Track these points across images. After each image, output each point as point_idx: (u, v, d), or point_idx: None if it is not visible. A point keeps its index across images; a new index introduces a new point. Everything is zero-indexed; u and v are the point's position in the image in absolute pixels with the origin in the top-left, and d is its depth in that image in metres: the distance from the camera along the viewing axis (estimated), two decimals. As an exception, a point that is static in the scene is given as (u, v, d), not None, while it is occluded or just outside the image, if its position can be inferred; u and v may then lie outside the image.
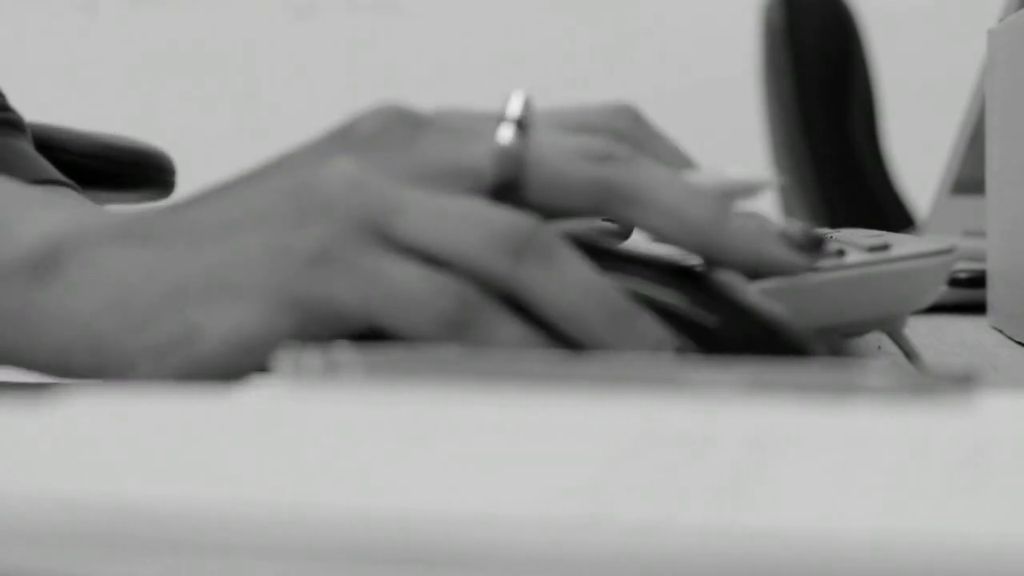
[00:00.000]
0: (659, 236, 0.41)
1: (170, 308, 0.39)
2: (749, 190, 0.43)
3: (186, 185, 0.84)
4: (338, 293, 0.38)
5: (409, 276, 0.38)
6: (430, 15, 2.82)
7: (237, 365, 0.39)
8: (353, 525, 0.21)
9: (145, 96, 2.79)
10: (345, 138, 0.41)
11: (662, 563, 0.20)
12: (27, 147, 0.82)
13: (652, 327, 0.39)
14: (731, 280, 0.42)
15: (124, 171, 1.06)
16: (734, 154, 2.30)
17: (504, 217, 0.39)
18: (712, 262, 0.41)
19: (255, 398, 0.32)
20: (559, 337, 0.39)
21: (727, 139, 2.61)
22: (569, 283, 0.38)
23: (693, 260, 0.43)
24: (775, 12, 2.09)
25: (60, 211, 0.42)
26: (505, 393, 0.31)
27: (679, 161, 0.45)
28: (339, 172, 0.39)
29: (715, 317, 0.40)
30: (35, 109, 0.87)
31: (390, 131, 0.41)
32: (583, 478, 0.24)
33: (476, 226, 0.38)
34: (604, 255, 0.40)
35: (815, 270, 0.42)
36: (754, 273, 0.42)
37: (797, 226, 0.42)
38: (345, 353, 0.34)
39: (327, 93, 2.64)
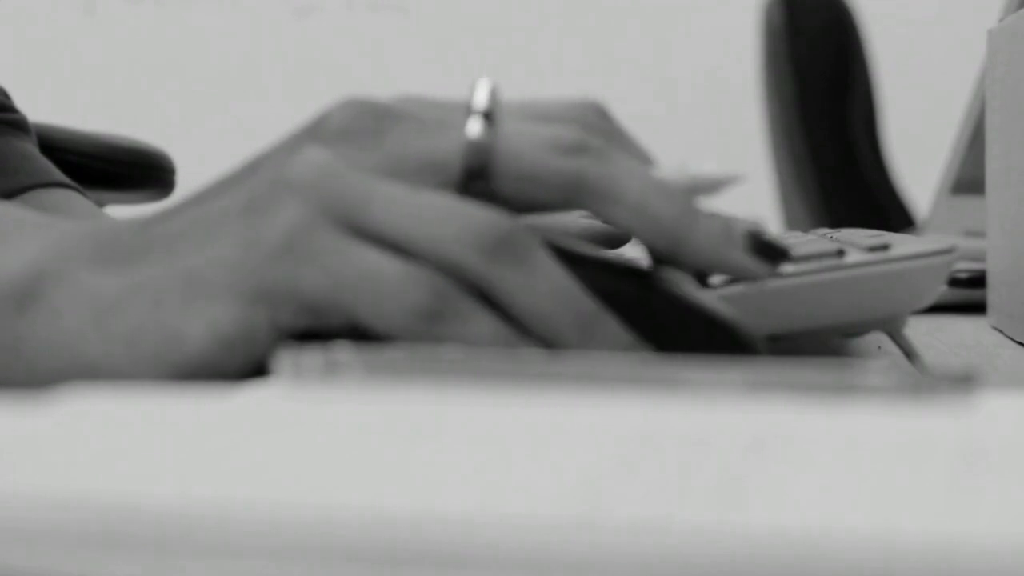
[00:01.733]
0: (625, 231, 0.41)
1: (150, 319, 0.39)
2: (714, 186, 0.43)
3: (186, 185, 0.84)
4: (305, 282, 0.38)
5: (381, 264, 0.38)
6: (430, 14, 2.82)
7: (221, 364, 0.39)
8: (353, 525, 0.21)
9: (145, 96, 2.79)
10: (315, 133, 0.41)
11: (662, 563, 0.20)
12: (31, 148, 0.82)
13: (619, 332, 0.39)
14: (683, 282, 0.42)
15: (124, 171, 1.06)
16: (734, 154, 2.30)
17: (480, 214, 0.38)
18: (673, 261, 0.41)
19: (255, 398, 0.32)
20: (530, 334, 0.39)
21: (727, 139, 2.61)
22: (541, 285, 0.38)
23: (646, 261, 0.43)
24: (775, 12, 2.09)
25: (39, 235, 0.42)
26: (505, 393, 0.31)
27: (640, 158, 0.45)
28: (308, 161, 0.39)
29: (666, 316, 0.40)
30: (35, 109, 0.87)
31: (359, 125, 0.41)
32: (583, 478, 0.24)
33: (451, 221, 0.38)
34: (564, 256, 0.40)
35: (780, 276, 0.42)
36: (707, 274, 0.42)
37: (764, 232, 0.42)
38: (345, 353, 0.34)
39: (327, 92, 2.64)
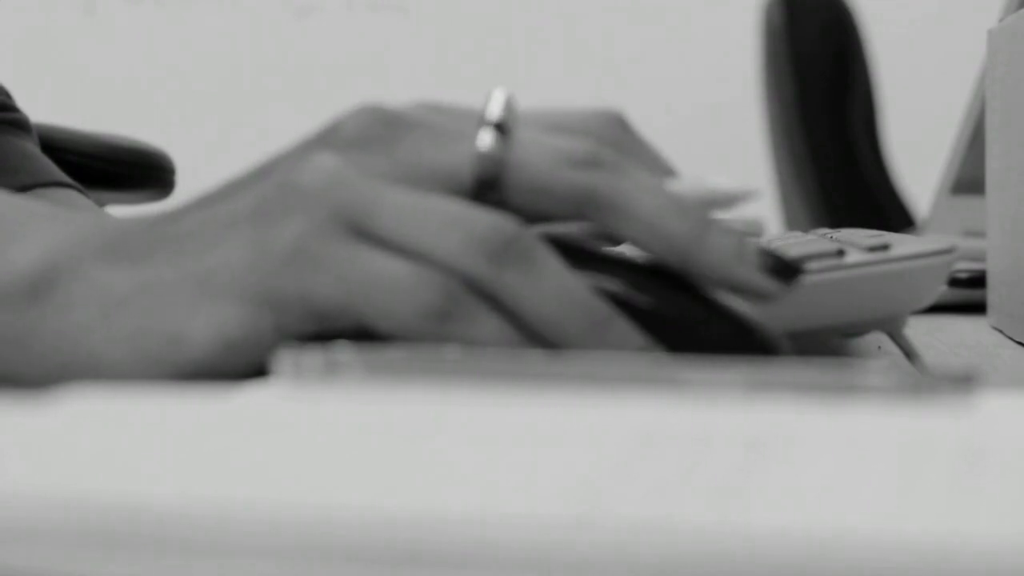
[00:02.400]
0: (637, 246, 0.41)
1: (156, 317, 0.39)
2: (730, 200, 0.43)
3: (186, 185, 0.84)
4: (315, 288, 0.39)
5: (390, 267, 0.38)
6: (430, 14, 2.82)
7: (224, 366, 0.39)
8: (353, 525, 0.21)
9: (145, 96, 2.79)
10: (327, 140, 0.42)
11: (662, 563, 0.20)
12: (32, 148, 0.82)
13: (630, 335, 0.39)
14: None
15: (124, 171, 1.06)
16: (733, 154, 2.30)
17: (486, 219, 0.39)
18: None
19: (255, 398, 0.32)
20: (539, 337, 0.39)
21: (727, 139, 2.61)
22: (548, 290, 0.38)
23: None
24: (775, 12, 2.09)
25: (53, 228, 0.42)
26: (505, 393, 0.31)
27: (661, 170, 0.45)
28: (319, 168, 0.39)
29: (688, 317, 0.40)
30: (35, 109, 0.87)
31: (372, 132, 0.41)
32: (583, 478, 0.24)
33: (457, 227, 0.38)
34: (579, 254, 0.40)
35: (789, 289, 0.42)
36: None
37: (777, 250, 0.42)
38: (345, 353, 0.34)
39: (327, 92, 2.64)
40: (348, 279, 0.38)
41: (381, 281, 0.38)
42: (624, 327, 0.39)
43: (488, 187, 0.40)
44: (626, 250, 0.43)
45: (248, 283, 0.39)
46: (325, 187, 0.39)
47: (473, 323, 0.38)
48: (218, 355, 0.39)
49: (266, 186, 0.40)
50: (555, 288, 0.38)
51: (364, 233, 0.39)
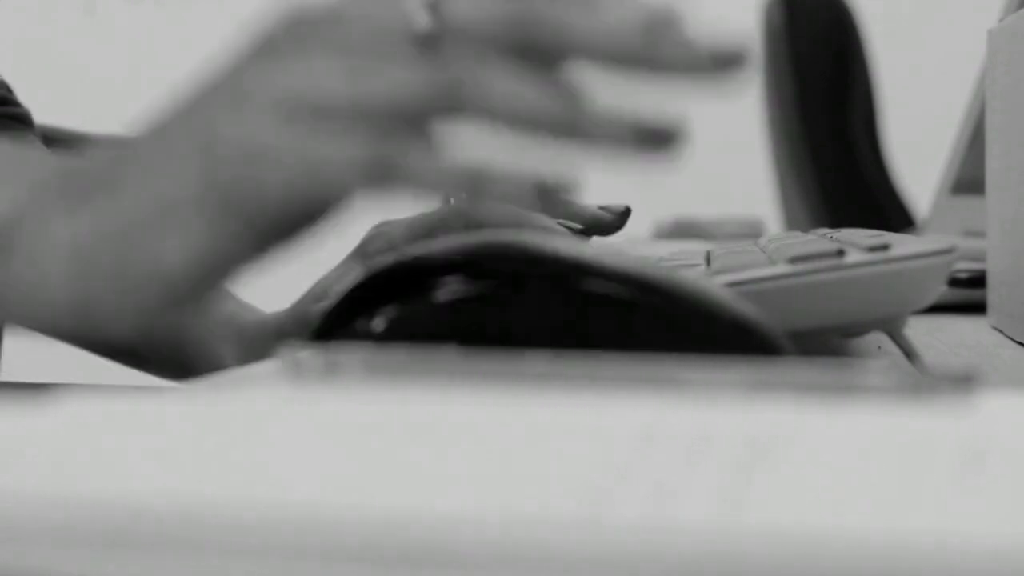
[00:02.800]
0: (591, 60, 0.41)
1: (127, 251, 0.40)
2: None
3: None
4: (262, 181, 0.39)
5: (318, 141, 0.39)
6: (430, 15, 2.81)
7: (207, 281, 0.40)
8: (352, 525, 0.21)
9: (145, 96, 2.78)
10: (260, 40, 0.42)
11: (662, 563, 0.20)
12: (33, 141, 0.82)
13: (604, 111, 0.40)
14: (705, 281, 0.42)
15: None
16: (733, 152, 2.30)
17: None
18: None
19: (254, 398, 0.32)
20: (515, 132, 0.39)
21: (726, 138, 2.61)
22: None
23: (671, 261, 0.43)
24: (775, 12, 2.09)
25: (9, 181, 0.43)
26: (505, 393, 0.31)
27: None
28: (254, 70, 0.41)
29: (688, 317, 0.41)
30: (35, 109, 0.87)
31: (303, 31, 0.42)
32: (583, 478, 0.24)
33: (384, 71, 0.39)
34: (585, 268, 0.40)
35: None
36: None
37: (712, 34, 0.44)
38: (345, 353, 0.34)
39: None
40: (289, 164, 0.39)
41: (312, 156, 0.39)
42: (598, 108, 0.40)
43: (432, 36, 0.40)
44: (624, 246, 0.43)
45: (202, 193, 0.40)
46: (261, 80, 0.40)
47: (412, 168, 0.39)
48: (197, 272, 0.40)
49: (209, 97, 0.41)
50: (517, 85, 0.39)
51: (302, 113, 0.39)
